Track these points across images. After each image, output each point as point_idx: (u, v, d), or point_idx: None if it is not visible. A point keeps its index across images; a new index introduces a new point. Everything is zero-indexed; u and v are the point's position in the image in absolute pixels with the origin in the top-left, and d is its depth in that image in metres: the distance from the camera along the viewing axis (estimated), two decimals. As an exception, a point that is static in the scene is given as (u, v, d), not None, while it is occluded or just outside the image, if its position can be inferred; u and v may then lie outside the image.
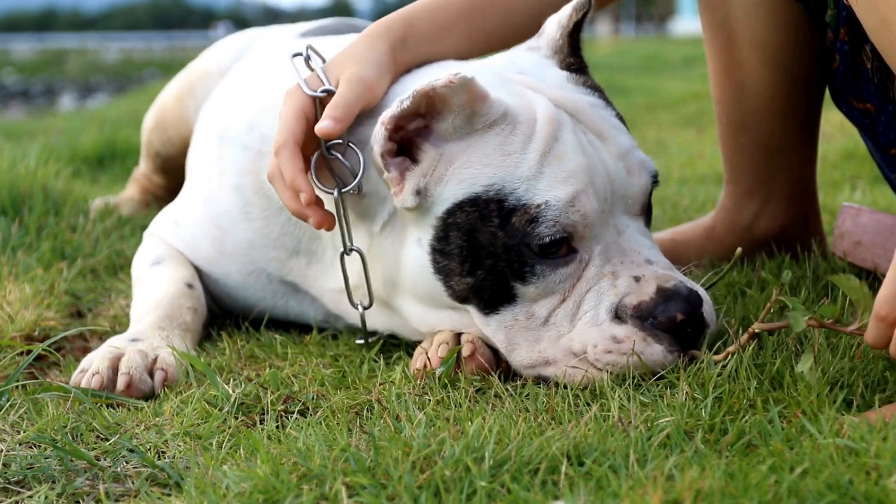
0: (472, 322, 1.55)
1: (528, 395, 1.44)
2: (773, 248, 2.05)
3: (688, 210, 2.83)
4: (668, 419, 1.29)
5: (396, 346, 1.71)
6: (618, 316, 1.47)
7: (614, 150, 1.54)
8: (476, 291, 1.51)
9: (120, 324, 1.93)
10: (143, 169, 2.84)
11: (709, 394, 1.36)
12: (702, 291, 1.53)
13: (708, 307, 1.52)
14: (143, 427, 1.44)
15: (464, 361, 1.53)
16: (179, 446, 1.36)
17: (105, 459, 1.34)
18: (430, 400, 1.45)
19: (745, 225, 2.07)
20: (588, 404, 1.39)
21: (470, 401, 1.44)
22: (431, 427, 1.32)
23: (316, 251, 1.76)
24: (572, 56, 1.69)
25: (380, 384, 1.55)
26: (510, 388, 1.47)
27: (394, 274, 1.60)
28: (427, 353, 1.55)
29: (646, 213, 1.59)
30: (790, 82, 1.93)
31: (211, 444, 1.36)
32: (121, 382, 1.55)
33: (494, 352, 1.55)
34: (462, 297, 1.53)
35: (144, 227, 2.12)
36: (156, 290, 1.81)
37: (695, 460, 1.19)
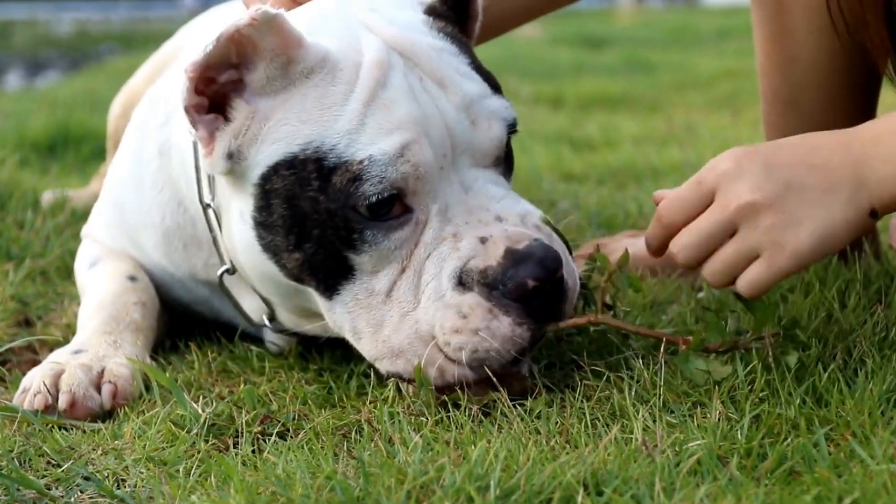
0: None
1: (539, 414, 1.44)
2: (818, 247, 2.05)
3: (721, 204, 2.83)
4: (698, 442, 1.29)
5: (389, 358, 1.71)
6: (462, 283, 1.45)
7: (457, 98, 1.52)
8: (309, 268, 1.50)
9: (73, 333, 1.93)
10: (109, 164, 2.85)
11: (745, 413, 1.36)
12: (562, 249, 1.51)
13: (570, 268, 1.50)
14: (100, 451, 1.44)
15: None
16: (142, 473, 1.36)
17: (57, 488, 1.34)
18: (427, 420, 1.45)
19: (787, 218, 2.06)
20: (608, 425, 1.40)
21: (473, 421, 1.44)
22: (429, 451, 1.32)
23: (202, 237, 1.76)
24: (444, 4, 1.67)
25: (370, 402, 1.55)
26: (519, 408, 1.47)
27: (234, 256, 1.61)
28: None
29: (504, 163, 1.58)
30: (848, 52, 1.93)
31: (177, 470, 1.36)
32: (62, 402, 1.55)
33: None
34: (297, 277, 1.52)
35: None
36: (96, 292, 1.82)
37: (729, 489, 1.19)
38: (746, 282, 1.41)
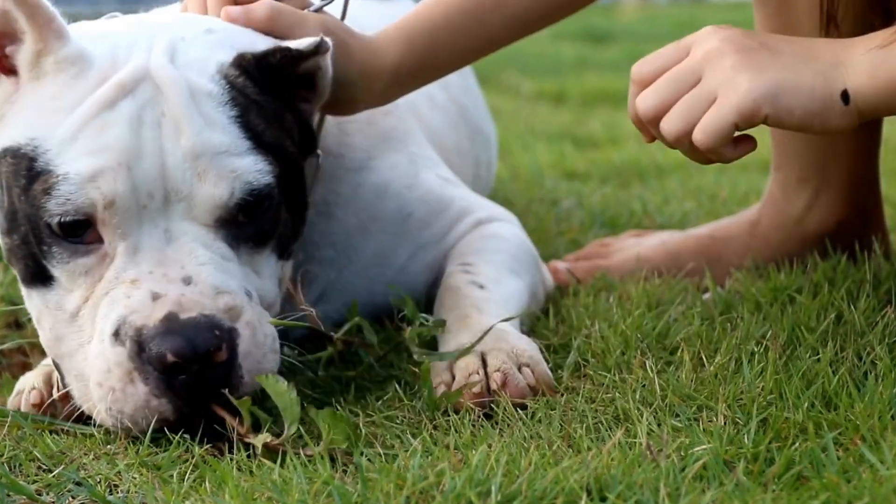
0: None
1: (540, 419, 1.44)
2: (827, 247, 2.05)
3: (727, 203, 2.83)
4: (704, 447, 1.29)
5: (387, 361, 1.71)
6: (117, 334, 1.41)
7: (188, 145, 1.44)
8: (13, 258, 1.52)
9: (65, 336, 1.93)
10: None
11: (752, 417, 1.36)
12: (254, 337, 1.43)
13: (269, 358, 1.45)
14: (92, 456, 1.44)
15: (498, 392, 1.47)
16: (134, 478, 1.36)
17: (48, 494, 1.34)
18: (426, 425, 1.45)
19: (796, 218, 2.07)
20: (611, 429, 1.39)
21: (473, 426, 1.44)
22: (428, 456, 1.32)
23: None
24: (259, 62, 1.53)
25: (368, 406, 1.54)
26: (520, 411, 1.46)
27: None
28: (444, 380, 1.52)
29: (243, 229, 1.48)
30: None
31: (171, 475, 1.36)
32: (56, 396, 1.55)
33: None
34: (7, 259, 1.53)
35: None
36: None
37: (736, 495, 1.19)
38: (699, 127, 1.36)
